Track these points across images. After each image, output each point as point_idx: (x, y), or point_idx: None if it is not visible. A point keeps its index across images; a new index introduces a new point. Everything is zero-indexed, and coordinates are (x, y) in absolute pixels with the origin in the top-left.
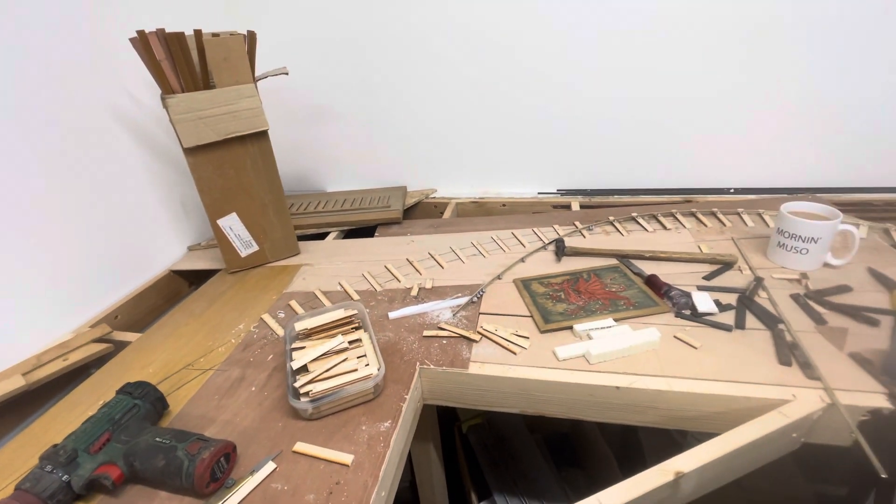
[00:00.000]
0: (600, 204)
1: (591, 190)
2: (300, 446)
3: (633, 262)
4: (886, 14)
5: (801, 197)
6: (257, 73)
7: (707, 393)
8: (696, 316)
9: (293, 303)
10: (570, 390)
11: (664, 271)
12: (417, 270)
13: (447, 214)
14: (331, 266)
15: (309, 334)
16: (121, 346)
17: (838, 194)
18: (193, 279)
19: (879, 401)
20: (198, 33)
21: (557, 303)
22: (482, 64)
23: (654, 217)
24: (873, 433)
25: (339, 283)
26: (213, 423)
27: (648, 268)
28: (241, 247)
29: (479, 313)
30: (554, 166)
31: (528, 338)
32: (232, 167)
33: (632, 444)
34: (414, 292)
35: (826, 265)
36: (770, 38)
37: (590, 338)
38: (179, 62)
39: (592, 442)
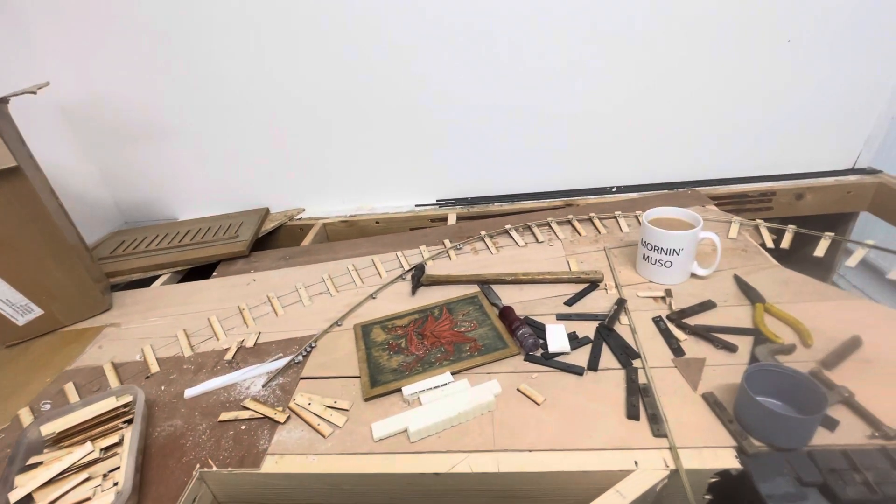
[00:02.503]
0: (479, 214)
1: (471, 199)
2: None
3: (495, 287)
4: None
5: (679, 195)
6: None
7: (542, 471)
8: (547, 358)
9: (69, 387)
10: (385, 481)
11: (526, 297)
12: (245, 322)
13: (308, 239)
14: (143, 325)
15: (60, 439)
16: None
17: (716, 186)
18: None
19: (729, 458)
20: None
21: (395, 354)
22: (351, 66)
23: (529, 228)
24: (723, 499)
25: (142, 351)
26: None
27: (509, 294)
28: (13, 314)
29: (300, 378)
30: (433, 175)
31: (347, 410)
32: None
33: None
34: (229, 355)
35: (693, 276)
36: (645, 31)
37: (420, 402)
38: None
39: None
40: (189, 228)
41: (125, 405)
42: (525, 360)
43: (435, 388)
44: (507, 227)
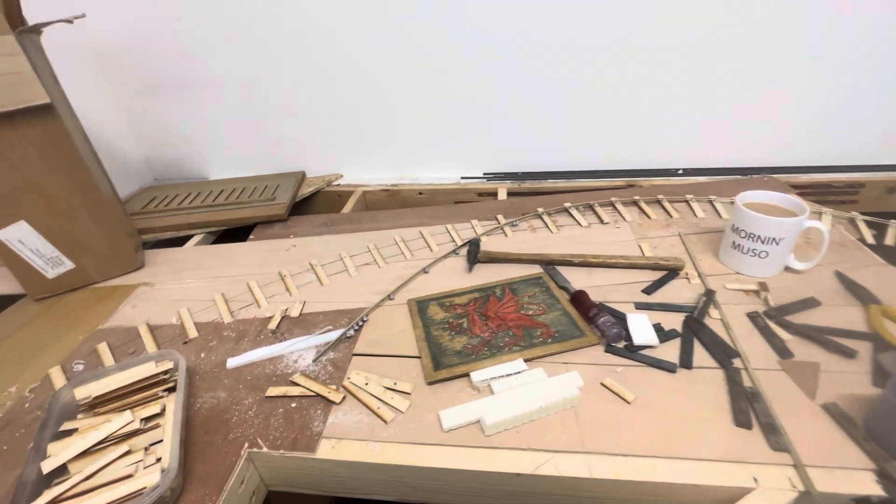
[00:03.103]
0: (531, 190)
1: (522, 174)
2: None
3: (560, 269)
4: None
5: (756, 182)
6: (32, 22)
7: (643, 480)
8: (632, 351)
9: (103, 347)
10: (456, 478)
11: (597, 281)
12: (288, 289)
13: (349, 207)
14: (178, 286)
15: (95, 405)
16: None
17: (795, 174)
18: None
19: (868, 483)
20: None
21: (457, 335)
22: (398, 26)
23: (591, 208)
24: None
25: (178, 313)
26: None
27: (578, 277)
28: (44, 266)
29: (353, 354)
30: (480, 146)
31: (409, 394)
32: (2, 159)
33: None
34: (273, 324)
35: (788, 269)
36: (723, 6)
37: (491, 391)
38: None
39: None
40: (222, 188)
41: (165, 372)
42: (606, 351)
43: (507, 375)
44: (567, 205)
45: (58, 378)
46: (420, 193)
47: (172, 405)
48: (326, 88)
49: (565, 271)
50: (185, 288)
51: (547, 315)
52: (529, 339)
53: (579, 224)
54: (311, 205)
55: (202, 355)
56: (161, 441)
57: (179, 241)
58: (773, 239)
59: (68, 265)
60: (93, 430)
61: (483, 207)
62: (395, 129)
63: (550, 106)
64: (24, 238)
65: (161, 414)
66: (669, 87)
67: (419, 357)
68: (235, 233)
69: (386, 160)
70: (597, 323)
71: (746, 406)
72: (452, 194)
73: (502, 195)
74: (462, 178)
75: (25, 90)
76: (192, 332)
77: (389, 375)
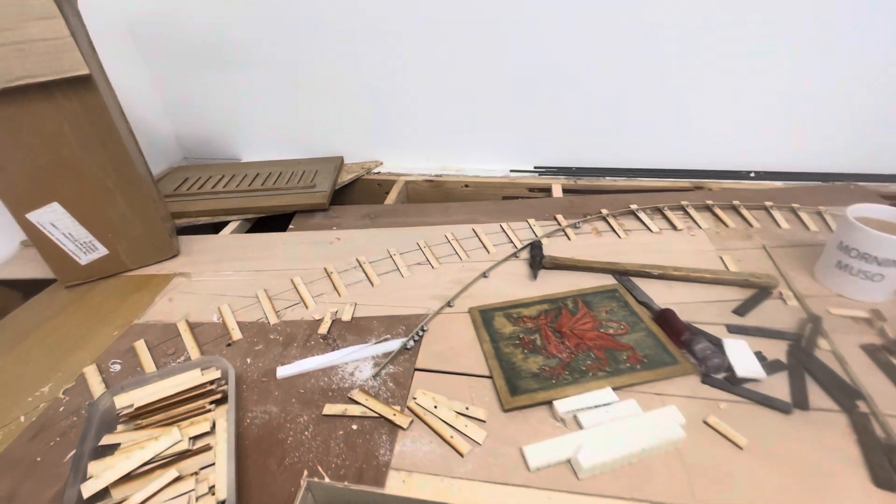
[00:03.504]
0: (588, 188)
1: (578, 169)
2: None
3: (635, 281)
4: None
5: (839, 189)
6: None
7: None
8: (734, 384)
9: (140, 345)
10: None
11: (679, 297)
12: (336, 289)
13: (392, 197)
14: (215, 278)
15: (137, 415)
16: None
17: (885, 183)
18: (27, 289)
19: None
20: None
21: (531, 354)
22: (446, 7)
23: (660, 211)
24: None
25: (219, 310)
26: None
27: (657, 291)
28: (77, 251)
29: (415, 369)
30: (532, 138)
31: (484, 421)
32: (36, 134)
33: None
34: (323, 328)
35: None
36: None
37: (578, 424)
38: None
39: None
40: (258, 172)
41: (212, 381)
42: (703, 382)
43: (597, 406)
44: (634, 207)
45: (93, 378)
46: (466, 186)
47: (223, 422)
48: (368, 70)
49: (641, 283)
50: (224, 281)
51: (630, 336)
52: (615, 363)
53: (649, 229)
54: (351, 193)
55: (248, 361)
56: (213, 464)
57: (213, 228)
58: (893, 260)
59: (102, 251)
60: (137, 447)
61: (539, 205)
62: (439, 115)
63: (609, 96)
64: (56, 221)
65: (211, 432)
66: (742, 80)
67: (490, 377)
68: (272, 221)
69: (429, 148)
70: (692, 349)
71: (884, 461)
72: (500, 188)
73: (557, 192)
74: (511, 170)
75: (63, 59)
76: (236, 334)
77: (458, 397)
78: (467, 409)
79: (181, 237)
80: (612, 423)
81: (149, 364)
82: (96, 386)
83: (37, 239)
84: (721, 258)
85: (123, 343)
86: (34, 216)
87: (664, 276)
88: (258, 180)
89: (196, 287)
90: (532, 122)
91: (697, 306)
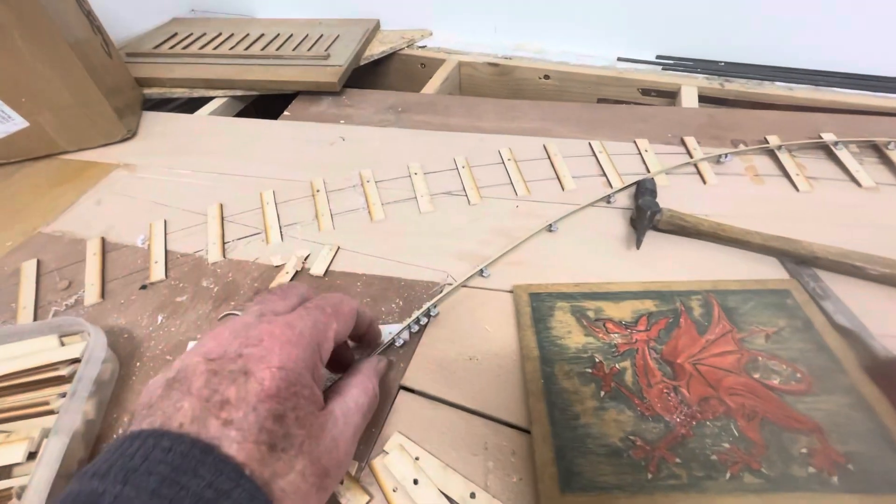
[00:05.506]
0: (743, 98)
1: (727, 64)
2: None
3: (827, 278)
4: None
5: None
6: None
7: None
8: None
9: (29, 267)
10: None
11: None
12: (318, 218)
13: (434, 84)
14: (166, 177)
15: None
16: None
17: None
18: None
19: None
20: None
21: (611, 403)
22: None
23: (875, 148)
24: None
25: (150, 228)
26: None
27: (877, 308)
28: None
29: (400, 386)
30: (655, 10)
31: None
32: None
33: None
34: (282, 279)
35: None
36: None
37: None
38: None
39: None
40: (264, 32)
41: (72, 361)
42: None
43: None
44: (826, 137)
45: None
46: (546, 77)
47: (56, 443)
48: None
49: (838, 284)
50: (175, 182)
51: (817, 401)
52: (782, 461)
53: (855, 181)
54: (381, 73)
55: (159, 319)
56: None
57: (190, 107)
58: None
59: (19, 122)
60: None
61: (657, 118)
62: None
63: None
64: None
65: (33, 459)
66: None
67: (528, 431)
68: (276, 103)
69: (499, 18)
70: None
71: None
72: (598, 86)
73: (689, 100)
74: (619, 59)
75: None
76: (159, 271)
77: (463, 460)
78: (473, 496)
79: (149, 114)
80: None
81: (27, 300)
82: None
83: None
84: None
85: (14, 259)
86: None
87: (887, 278)
88: (260, 43)
89: (137, 187)
90: None
91: None
